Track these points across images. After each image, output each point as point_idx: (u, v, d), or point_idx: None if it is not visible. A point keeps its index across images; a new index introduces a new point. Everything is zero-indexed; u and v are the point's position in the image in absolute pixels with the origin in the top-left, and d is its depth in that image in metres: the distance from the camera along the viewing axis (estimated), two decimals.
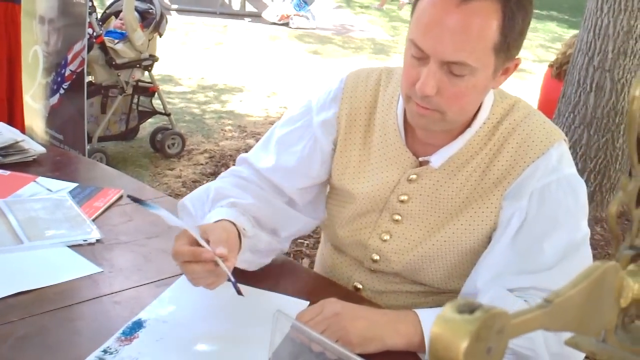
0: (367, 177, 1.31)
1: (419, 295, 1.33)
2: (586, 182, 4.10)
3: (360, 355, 0.91)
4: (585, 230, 1.17)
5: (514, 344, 1.07)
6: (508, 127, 1.21)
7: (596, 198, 4.16)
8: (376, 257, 1.32)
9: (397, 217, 1.29)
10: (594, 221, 4.08)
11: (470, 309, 0.33)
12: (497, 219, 1.20)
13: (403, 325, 1.09)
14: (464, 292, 1.21)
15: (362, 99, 1.32)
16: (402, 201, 1.28)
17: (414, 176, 1.26)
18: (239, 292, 1.08)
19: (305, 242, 3.34)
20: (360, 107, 1.31)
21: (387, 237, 1.30)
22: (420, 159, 1.26)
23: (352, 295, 1.30)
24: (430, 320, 1.08)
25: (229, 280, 1.08)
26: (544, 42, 11.34)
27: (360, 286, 1.37)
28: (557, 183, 1.16)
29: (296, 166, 1.34)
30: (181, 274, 1.22)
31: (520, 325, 0.35)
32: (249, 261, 1.28)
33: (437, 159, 1.23)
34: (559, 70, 4.33)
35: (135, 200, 1.13)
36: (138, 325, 1.12)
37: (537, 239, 1.14)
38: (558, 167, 1.17)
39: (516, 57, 1.14)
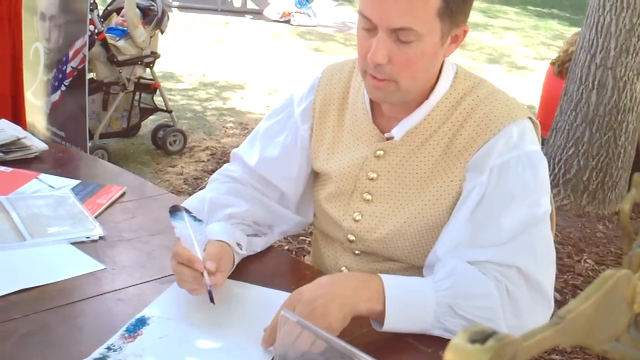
0: (339, 155, 1.36)
1: (404, 275, 1.34)
2: (588, 179, 4.12)
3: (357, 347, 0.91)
4: (546, 207, 1.19)
5: (473, 315, 1.09)
6: (471, 103, 1.24)
7: (598, 196, 4.14)
8: (352, 237, 1.35)
9: (367, 196, 1.32)
10: (596, 219, 4.07)
11: (482, 337, 0.33)
12: (461, 190, 1.22)
13: (366, 292, 1.09)
14: (427, 262, 1.24)
15: (336, 85, 1.38)
16: (371, 179, 1.31)
17: (381, 152, 1.30)
18: (212, 300, 1.14)
19: (307, 239, 3.35)
20: (334, 92, 1.38)
21: (359, 217, 1.33)
22: (386, 134, 1.30)
23: None
24: (393, 288, 1.09)
25: (207, 289, 1.14)
26: (545, 39, 11.32)
27: (346, 270, 1.39)
28: (517, 159, 1.19)
29: (280, 156, 1.41)
30: None
31: (533, 347, 0.35)
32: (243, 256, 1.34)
33: (398, 131, 1.27)
34: (561, 68, 4.33)
35: (177, 210, 1.22)
36: (142, 322, 1.12)
37: (495, 213, 1.16)
38: (519, 143, 1.20)
39: (464, 24, 1.19)
